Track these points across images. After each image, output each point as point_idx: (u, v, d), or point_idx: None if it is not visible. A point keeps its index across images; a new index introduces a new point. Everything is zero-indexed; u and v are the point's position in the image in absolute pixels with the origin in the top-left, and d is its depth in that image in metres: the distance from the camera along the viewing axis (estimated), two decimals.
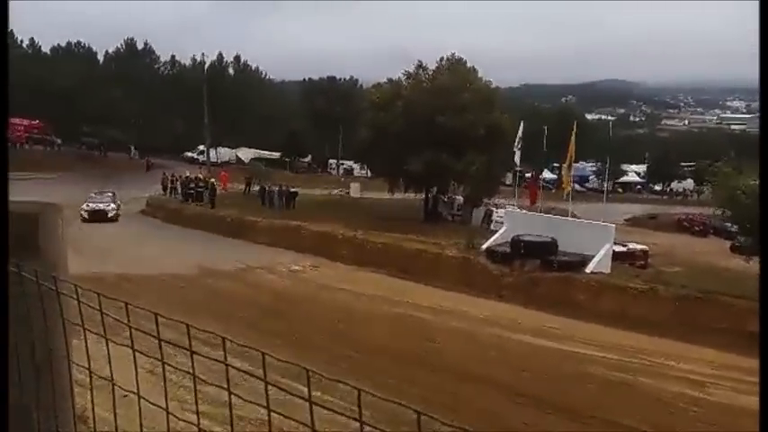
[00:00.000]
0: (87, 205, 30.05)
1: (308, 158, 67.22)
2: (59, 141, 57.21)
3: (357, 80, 74.43)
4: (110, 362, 1.47)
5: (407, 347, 13.74)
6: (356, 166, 57.71)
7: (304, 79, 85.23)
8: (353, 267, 22.28)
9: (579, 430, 9.96)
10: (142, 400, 1.46)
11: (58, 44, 66.89)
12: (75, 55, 65.18)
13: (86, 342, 1.59)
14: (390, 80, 37.80)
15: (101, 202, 30.95)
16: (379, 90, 37.87)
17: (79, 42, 67.13)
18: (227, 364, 1.18)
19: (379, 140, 33.90)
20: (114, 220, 29.91)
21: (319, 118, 65.73)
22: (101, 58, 67.23)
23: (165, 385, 1.48)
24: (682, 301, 16.07)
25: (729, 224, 28.02)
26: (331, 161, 68.36)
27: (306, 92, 75.64)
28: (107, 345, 1.37)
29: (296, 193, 36.51)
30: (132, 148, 60.36)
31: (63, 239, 1.80)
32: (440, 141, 31.62)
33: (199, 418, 1.27)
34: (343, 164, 65.35)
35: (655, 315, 15.70)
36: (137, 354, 1.49)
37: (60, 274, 1.70)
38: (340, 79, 74.55)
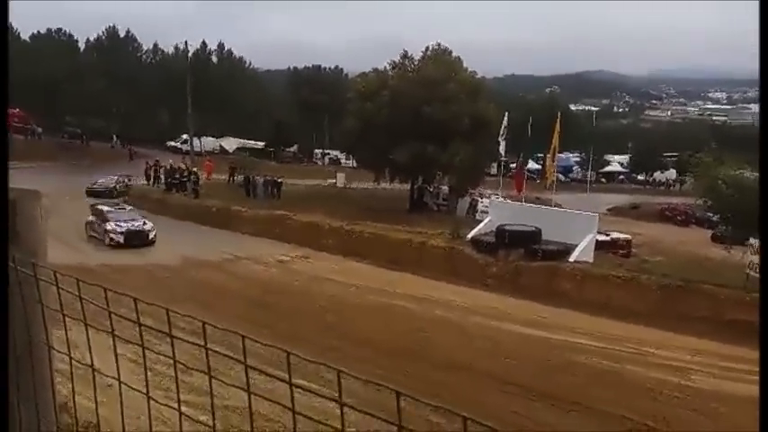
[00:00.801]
0: (117, 224, 23.03)
1: (294, 148, 66.82)
2: (40, 131, 56.31)
3: (342, 69, 74.01)
4: (90, 349, 1.44)
5: (394, 337, 13.78)
6: (342, 156, 57.53)
7: (289, 68, 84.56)
8: (340, 257, 22.26)
9: (566, 417, 10.07)
10: (125, 388, 1.43)
11: (38, 31, 65.63)
12: (55, 42, 64.02)
13: (66, 329, 1.56)
14: (376, 70, 37.65)
15: (132, 220, 23.80)
16: (364, 80, 37.70)
17: (60, 29, 65.93)
18: (207, 348, 1.16)
19: (365, 130, 33.81)
20: (153, 242, 23.30)
21: (305, 107, 65.33)
22: (82, 45, 66.12)
23: (146, 371, 1.46)
24: (664, 290, 16.27)
25: (711, 214, 28.37)
26: (317, 151, 68.05)
27: (291, 81, 75.08)
28: (86, 331, 1.35)
29: (281, 183, 36.34)
30: (114, 137, 59.59)
31: (42, 225, 1.77)
32: (425, 131, 31.60)
33: (180, 405, 1.26)
34: (328, 154, 65.07)
35: (638, 304, 15.89)
36: (119, 341, 1.47)
37: (39, 261, 1.67)
38: (325, 69, 74.07)
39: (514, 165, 42.85)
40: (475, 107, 33.07)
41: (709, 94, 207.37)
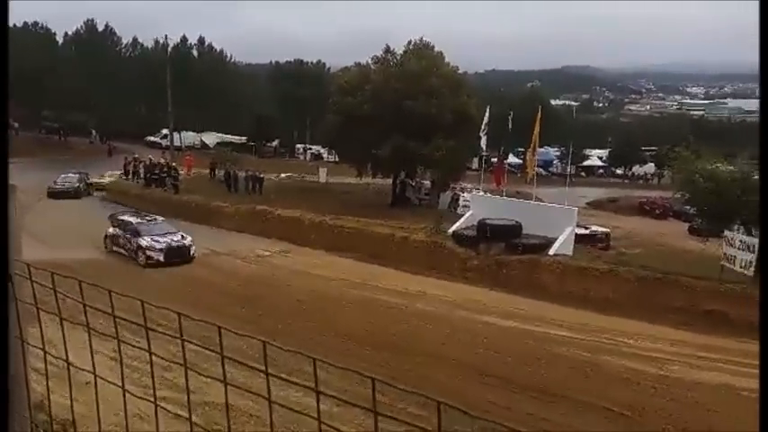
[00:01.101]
0: (153, 240, 20.00)
1: (276, 143, 66.46)
2: (17, 126, 55.31)
3: (325, 64, 73.71)
4: (65, 342, 1.45)
5: (377, 331, 13.84)
6: (324, 151, 57.34)
7: (271, 62, 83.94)
8: (322, 252, 22.24)
9: (545, 408, 10.21)
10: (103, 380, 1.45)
11: (14, 24, 64.27)
12: (32, 36, 62.79)
13: (41, 322, 1.56)
14: (358, 65, 37.58)
15: (170, 234, 20.71)
16: (346, 74, 37.62)
17: (36, 23, 64.66)
18: (183, 339, 1.18)
19: (347, 125, 33.76)
20: (194, 258, 20.37)
21: (287, 102, 64.96)
22: (60, 39, 64.96)
23: (122, 366, 1.48)
24: (642, 282, 16.52)
25: (688, 207, 28.83)
26: (299, 146, 67.74)
27: (272, 75, 74.58)
28: (62, 324, 1.35)
29: (263, 179, 36.15)
30: (93, 132, 58.69)
31: (15, 219, 1.76)
32: (407, 126, 31.65)
33: (155, 392, 1.27)
34: (311, 149, 64.82)
35: (616, 295, 16.12)
36: (96, 334, 1.48)
37: (14, 256, 1.66)
38: (307, 63, 73.68)
39: (495, 159, 43.13)
40: (457, 102, 33.19)
41: (687, 89, 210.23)
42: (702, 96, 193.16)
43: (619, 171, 67.03)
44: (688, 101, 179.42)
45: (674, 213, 36.96)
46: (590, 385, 11.27)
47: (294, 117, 64.21)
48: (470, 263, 20.17)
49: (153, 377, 1.42)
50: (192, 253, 20.36)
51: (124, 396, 1.44)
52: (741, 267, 18.61)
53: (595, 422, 10.11)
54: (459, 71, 36.59)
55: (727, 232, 20.61)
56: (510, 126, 37.32)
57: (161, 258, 19.57)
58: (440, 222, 23.37)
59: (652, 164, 63.69)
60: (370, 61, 36.66)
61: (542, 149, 52.64)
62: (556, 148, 64.89)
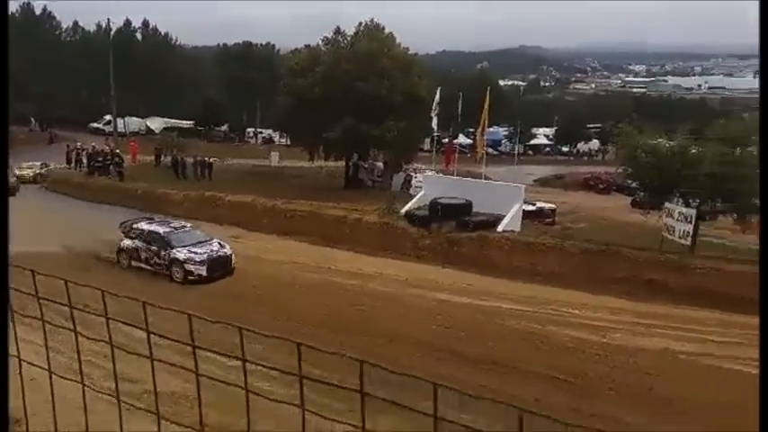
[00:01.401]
0: (191, 252, 16.86)
1: (225, 127, 65.20)
2: None
3: (274, 46, 72.50)
4: (16, 341, 1.47)
5: (333, 313, 13.91)
6: (275, 135, 56.64)
7: (218, 45, 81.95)
8: (274, 237, 22.11)
9: (496, 380, 10.54)
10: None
11: None
12: None
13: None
14: (308, 46, 37.19)
15: (206, 243, 17.59)
16: (297, 56, 37.21)
17: None
18: (107, 318, 1.23)
19: (298, 108, 33.48)
20: (233, 270, 17.45)
21: (235, 85, 63.69)
22: None
23: (79, 357, 1.51)
24: (586, 255, 17.12)
25: (630, 181, 29.87)
26: (249, 130, 66.65)
27: (220, 58, 72.91)
28: (12, 322, 1.37)
29: (212, 164, 35.50)
30: (33, 120, 56.21)
31: None
32: (359, 108, 31.61)
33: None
34: (261, 132, 63.90)
35: (562, 268, 16.67)
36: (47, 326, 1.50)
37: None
38: (257, 45, 72.31)
39: (447, 140, 43.55)
40: (408, 83, 33.31)
41: (630, 67, 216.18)
42: (644, 74, 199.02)
43: (565, 149, 68.77)
44: (631, 79, 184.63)
45: (618, 188, 38.27)
46: (538, 355, 11.70)
47: (243, 100, 63.11)
48: (423, 242, 20.44)
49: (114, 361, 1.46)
50: (232, 263, 17.34)
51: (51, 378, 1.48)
52: (680, 238, 19.51)
53: (544, 391, 10.50)
54: (410, 52, 36.66)
55: (667, 204, 21.51)
56: (460, 107, 37.69)
57: (203, 272, 16.41)
58: (393, 203, 23.54)
59: (596, 141, 65.58)
60: (320, 43, 36.35)
61: (491, 129, 53.41)
62: (505, 128, 65.98)
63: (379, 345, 12.01)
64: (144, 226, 18.10)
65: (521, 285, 16.09)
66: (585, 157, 64.72)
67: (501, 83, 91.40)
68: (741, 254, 18.91)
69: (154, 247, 17.17)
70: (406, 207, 22.87)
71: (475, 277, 16.95)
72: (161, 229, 17.75)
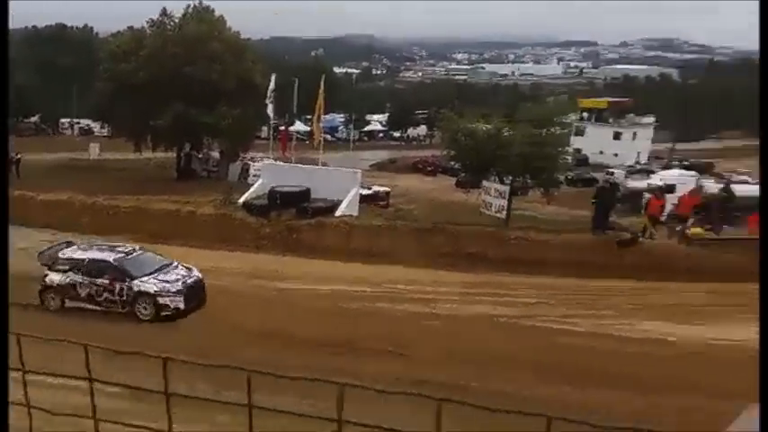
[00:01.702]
0: (161, 281, 13.71)
1: (36, 118, 58.64)
2: None
3: (93, 29, 66.46)
4: None
5: None
6: (95, 125, 52.20)
7: (27, 27, 73.18)
8: (93, 237, 20.53)
9: (329, 358, 11.00)
10: None
11: None
12: None
13: None
14: (131, 29, 34.73)
15: (172, 267, 14.31)
16: (118, 39, 34.66)
17: None
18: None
19: (121, 94, 31.33)
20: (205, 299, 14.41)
21: (48, 71, 57.50)
22: None
23: None
24: (416, 233, 18.26)
25: (453, 163, 32.17)
26: (63, 120, 60.62)
27: (30, 41, 65.13)
28: None
29: (20, 159, 31.91)
30: None
31: None
32: (189, 94, 30.37)
33: None
34: (78, 123, 58.46)
35: (395, 248, 17.58)
36: None
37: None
38: (72, 27, 65.72)
39: (283, 127, 43.37)
40: (240, 68, 32.60)
41: (453, 56, 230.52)
42: (466, 62, 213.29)
43: (397, 134, 71.98)
44: (454, 66, 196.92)
45: (444, 170, 40.98)
46: (373, 332, 12.35)
47: (57, 88, 57.21)
48: (262, 231, 20.33)
49: None
50: (204, 291, 14.18)
51: None
52: (496, 212, 21.63)
53: (379, 364, 11.16)
54: (243, 37, 35.84)
55: (484, 183, 23.62)
56: (296, 94, 37.72)
57: (181, 305, 13.44)
58: (230, 194, 23.05)
59: (424, 126, 69.46)
60: (145, 25, 34.14)
61: (328, 116, 54.12)
62: (341, 115, 67.28)
63: (221, 340, 11.88)
64: (78, 254, 14.34)
65: (359, 267, 16.75)
66: (415, 142, 68.28)
67: (336, 70, 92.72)
68: (548, 224, 21.46)
69: (101, 280, 13.65)
70: (244, 197, 22.55)
71: (315, 263, 17.30)
72: (108, 256, 14.11)
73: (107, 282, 13.61)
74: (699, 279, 15.24)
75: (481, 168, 25.28)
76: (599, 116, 58.33)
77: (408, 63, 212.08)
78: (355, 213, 20.96)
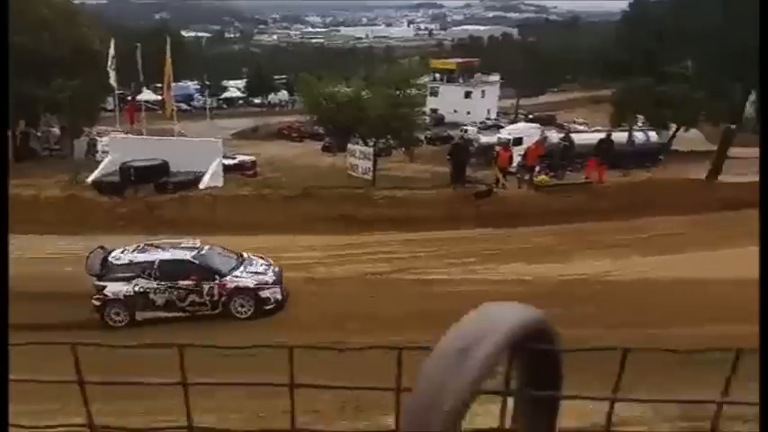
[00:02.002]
0: (254, 273, 12.89)
1: None
2: None
3: None
4: None
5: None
6: None
7: None
8: None
9: (213, 332, 10.83)
10: None
11: None
12: None
13: None
14: None
15: (249, 260, 13.46)
16: None
17: None
18: None
19: None
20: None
21: None
22: None
23: None
24: (286, 201, 18.13)
25: (317, 128, 32.15)
26: None
27: None
28: None
29: None
30: None
31: None
32: (18, 67, 27.10)
33: None
34: None
35: (265, 216, 17.34)
36: None
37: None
38: None
39: (130, 97, 40.43)
40: (74, 34, 29.72)
41: (307, 19, 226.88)
42: (321, 25, 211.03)
43: (257, 100, 69.91)
44: (309, 29, 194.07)
45: (310, 135, 40.83)
46: None
47: None
48: (118, 211, 19.05)
49: None
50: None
51: None
52: (363, 174, 22.09)
53: (254, 332, 11.18)
54: (75, 0, 32.57)
55: (349, 146, 23.96)
56: (140, 60, 35.12)
57: (279, 296, 12.59)
58: (77, 173, 21.31)
59: (285, 91, 68.16)
60: None
61: (181, 84, 51.24)
62: (195, 82, 63.92)
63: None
64: (142, 257, 12.66)
65: (227, 239, 16.36)
66: (277, 108, 66.95)
67: (184, 35, 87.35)
68: (412, 182, 22.30)
69: (185, 282, 12.23)
70: (93, 175, 20.97)
71: (180, 240, 16.62)
72: (184, 255, 12.73)
73: (191, 283, 12.20)
74: (547, 222, 16.80)
75: (345, 132, 25.57)
76: (450, 76, 60.86)
77: (262, 26, 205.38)
78: (220, 184, 20.33)
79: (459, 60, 65.79)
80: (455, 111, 55.44)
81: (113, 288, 12.22)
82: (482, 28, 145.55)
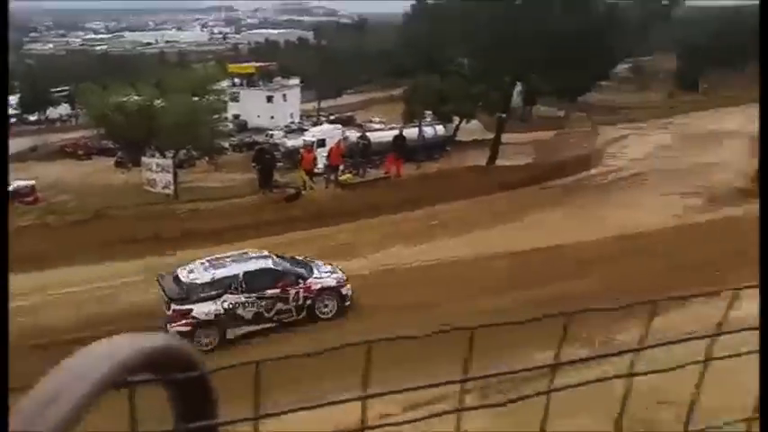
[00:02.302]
0: (328, 271, 12.68)
1: None
2: None
3: None
4: None
5: None
6: None
7: None
8: None
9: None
10: None
11: None
12: None
13: None
14: None
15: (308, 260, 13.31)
16: None
17: None
18: None
19: None
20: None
21: None
22: None
23: None
24: (75, 226, 16.35)
25: (107, 142, 29.58)
26: None
27: None
28: None
29: None
30: None
31: None
32: None
33: None
34: None
35: (51, 248, 15.38)
36: None
37: None
38: None
39: None
40: None
41: (87, 25, 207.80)
42: (104, 31, 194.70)
43: (33, 117, 62.30)
44: (91, 36, 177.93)
45: (99, 151, 37.34)
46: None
47: None
48: None
49: None
50: None
51: None
52: (163, 188, 20.80)
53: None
54: None
55: (144, 159, 22.42)
56: None
57: (350, 293, 12.47)
58: None
59: (66, 104, 61.65)
60: None
61: None
62: None
63: None
64: (223, 272, 11.70)
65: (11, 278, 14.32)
66: (58, 124, 60.28)
67: None
68: (218, 192, 21.55)
69: (272, 291, 11.70)
70: None
71: None
72: (265, 264, 12.15)
73: (278, 291, 11.76)
74: (353, 218, 17.38)
75: (138, 144, 23.90)
76: (250, 81, 59.87)
77: (34, 34, 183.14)
78: None
79: (258, 64, 64.99)
80: (258, 116, 54.72)
81: (201, 309, 11.32)
82: (277, 31, 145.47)
